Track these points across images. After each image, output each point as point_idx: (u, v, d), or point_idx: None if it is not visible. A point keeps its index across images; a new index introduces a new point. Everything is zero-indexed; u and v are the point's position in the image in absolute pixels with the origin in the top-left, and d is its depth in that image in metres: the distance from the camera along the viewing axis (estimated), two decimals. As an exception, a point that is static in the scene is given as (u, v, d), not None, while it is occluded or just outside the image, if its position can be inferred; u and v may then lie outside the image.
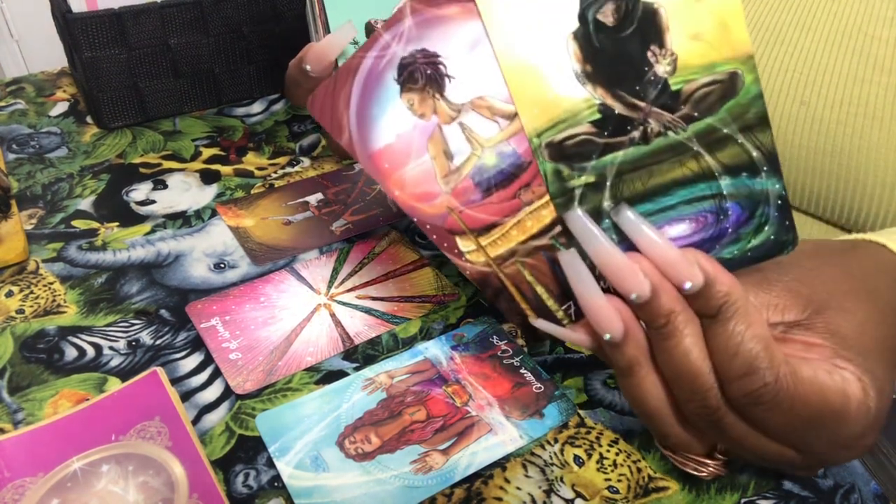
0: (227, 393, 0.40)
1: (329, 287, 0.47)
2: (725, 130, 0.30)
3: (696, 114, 0.30)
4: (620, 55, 0.29)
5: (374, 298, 0.46)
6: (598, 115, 0.30)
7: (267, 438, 0.37)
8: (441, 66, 0.31)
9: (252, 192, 0.55)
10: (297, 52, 0.43)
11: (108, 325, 0.44)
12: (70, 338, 0.43)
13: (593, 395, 0.40)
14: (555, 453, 0.37)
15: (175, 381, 0.40)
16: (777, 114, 0.47)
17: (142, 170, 0.58)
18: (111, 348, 0.42)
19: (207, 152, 0.60)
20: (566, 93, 0.30)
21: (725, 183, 0.30)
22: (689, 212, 0.31)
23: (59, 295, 0.46)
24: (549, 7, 0.29)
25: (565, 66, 0.30)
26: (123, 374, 0.41)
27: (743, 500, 0.35)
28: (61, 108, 0.65)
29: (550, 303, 0.33)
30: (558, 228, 0.32)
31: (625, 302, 0.28)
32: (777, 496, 0.36)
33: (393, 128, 0.31)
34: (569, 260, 0.29)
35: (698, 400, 0.29)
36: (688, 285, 0.27)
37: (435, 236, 0.33)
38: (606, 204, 0.30)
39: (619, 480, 0.36)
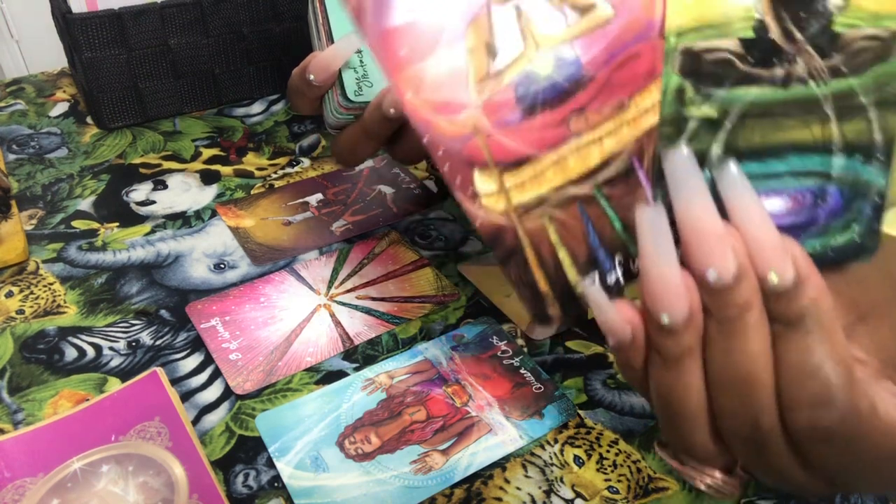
0: (227, 393, 0.40)
1: (329, 287, 0.47)
2: (862, 99, 0.25)
3: (844, 68, 0.25)
4: None
5: (373, 299, 0.46)
6: (750, 33, 0.25)
7: (267, 439, 0.37)
8: None
9: (252, 192, 0.55)
10: (297, 52, 0.44)
11: (108, 325, 0.44)
12: (70, 338, 0.43)
13: (593, 396, 0.40)
14: (555, 453, 0.37)
15: (175, 381, 0.40)
16: None
17: (142, 170, 0.58)
18: (111, 349, 0.42)
19: (207, 153, 0.60)
20: None
21: (838, 162, 0.25)
22: (792, 186, 0.25)
23: (59, 295, 0.46)
24: None
25: None
26: (123, 374, 0.41)
27: (743, 501, 0.35)
28: (61, 108, 0.65)
29: (571, 273, 0.26)
30: (606, 174, 0.25)
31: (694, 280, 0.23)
32: (777, 496, 0.36)
33: None
34: (652, 218, 0.23)
35: (748, 417, 0.24)
36: (774, 279, 0.22)
37: (447, 165, 0.25)
38: (715, 150, 0.25)
39: (618, 481, 0.36)
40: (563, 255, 0.26)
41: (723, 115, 0.25)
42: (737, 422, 0.24)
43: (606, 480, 0.36)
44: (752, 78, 0.25)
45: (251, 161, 0.59)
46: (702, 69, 0.25)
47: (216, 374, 0.41)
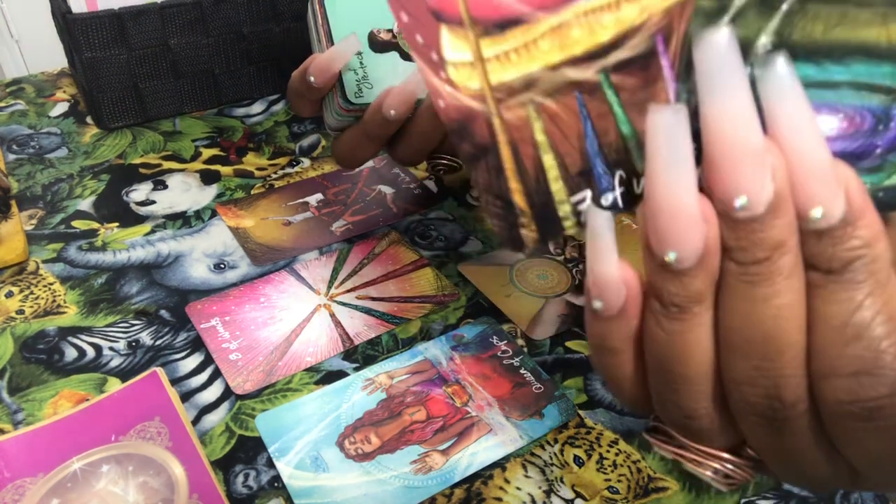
0: (227, 393, 0.40)
1: (329, 287, 0.47)
2: None
3: None
4: None
5: (373, 299, 0.46)
6: None
7: (267, 439, 0.37)
8: None
9: (252, 192, 0.55)
10: (297, 52, 0.43)
11: (108, 325, 0.44)
12: (70, 338, 0.43)
13: (593, 396, 0.40)
14: (555, 453, 0.37)
15: (175, 381, 0.40)
16: None
17: (142, 170, 0.58)
18: (111, 349, 0.42)
19: (207, 153, 0.60)
20: None
21: None
22: (849, 102, 0.20)
23: (59, 295, 0.46)
24: None
25: None
26: (123, 374, 0.41)
27: (743, 500, 0.35)
28: (61, 108, 0.65)
29: (557, 187, 0.20)
30: (619, 55, 0.19)
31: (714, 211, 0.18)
32: (777, 496, 0.36)
33: None
34: (669, 123, 0.18)
35: (768, 385, 0.19)
36: (819, 213, 0.18)
37: (406, 17, 0.19)
38: (763, 41, 0.19)
39: (618, 481, 0.36)
40: (549, 162, 0.20)
41: None
42: (753, 391, 0.20)
43: (606, 480, 0.36)
44: None
45: (251, 161, 0.59)
46: None
47: (216, 374, 0.41)
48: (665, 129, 0.18)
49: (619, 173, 0.21)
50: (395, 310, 0.45)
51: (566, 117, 0.20)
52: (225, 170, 0.58)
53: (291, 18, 0.64)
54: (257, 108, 0.66)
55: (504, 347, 0.43)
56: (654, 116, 0.18)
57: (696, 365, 0.20)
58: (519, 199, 0.20)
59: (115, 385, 0.40)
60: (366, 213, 0.53)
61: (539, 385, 0.40)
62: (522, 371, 0.41)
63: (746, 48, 0.19)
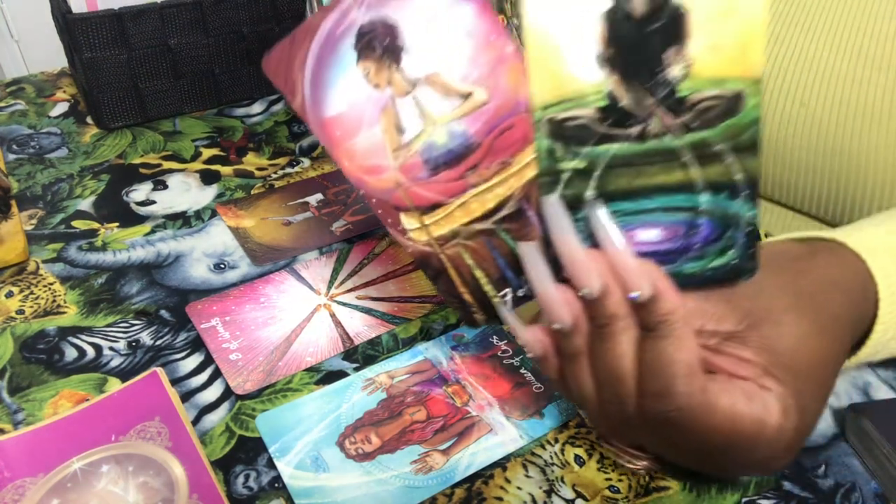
0: (228, 393, 0.40)
1: (329, 287, 0.47)
2: (718, 147, 0.30)
3: (695, 124, 0.30)
4: (642, 47, 0.29)
5: (374, 299, 0.46)
6: (604, 103, 0.30)
7: (267, 439, 0.37)
8: (399, 37, 0.31)
9: (252, 192, 0.55)
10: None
11: (109, 325, 0.44)
12: (70, 338, 0.43)
13: (593, 396, 0.40)
14: (555, 453, 0.37)
15: (175, 381, 0.40)
16: (776, 114, 0.47)
17: (142, 170, 0.58)
18: (111, 349, 0.42)
19: (207, 153, 0.60)
20: (581, 73, 0.29)
21: (705, 199, 0.30)
22: (663, 219, 0.31)
23: (60, 295, 0.46)
24: None
25: (588, 46, 0.29)
26: (123, 374, 0.41)
27: (743, 500, 0.35)
28: (61, 108, 0.65)
29: (488, 288, 0.34)
30: (502, 213, 0.33)
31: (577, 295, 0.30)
32: (777, 496, 0.36)
33: (346, 95, 0.32)
34: (527, 252, 0.30)
35: (617, 403, 0.30)
36: (634, 294, 0.28)
37: (380, 210, 0.33)
38: (589, 193, 0.30)
39: (619, 480, 0.36)
40: (479, 275, 0.34)
41: (591, 167, 0.30)
42: (611, 408, 0.30)
43: (607, 480, 0.36)
44: (610, 137, 0.30)
45: (251, 161, 0.59)
46: (565, 133, 0.30)
47: (216, 374, 0.41)
48: (526, 255, 0.30)
49: (522, 276, 0.33)
50: (396, 310, 0.45)
51: (482, 250, 0.34)
52: (225, 170, 0.58)
53: (291, 18, 0.64)
54: (257, 108, 0.66)
55: (504, 347, 0.43)
56: (520, 248, 0.31)
57: (589, 391, 0.31)
58: (468, 297, 0.35)
59: (115, 385, 0.40)
60: (366, 213, 0.53)
61: (539, 385, 0.40)
62: (523, 371, 0.41)
63: (580, 199, 0.30)
